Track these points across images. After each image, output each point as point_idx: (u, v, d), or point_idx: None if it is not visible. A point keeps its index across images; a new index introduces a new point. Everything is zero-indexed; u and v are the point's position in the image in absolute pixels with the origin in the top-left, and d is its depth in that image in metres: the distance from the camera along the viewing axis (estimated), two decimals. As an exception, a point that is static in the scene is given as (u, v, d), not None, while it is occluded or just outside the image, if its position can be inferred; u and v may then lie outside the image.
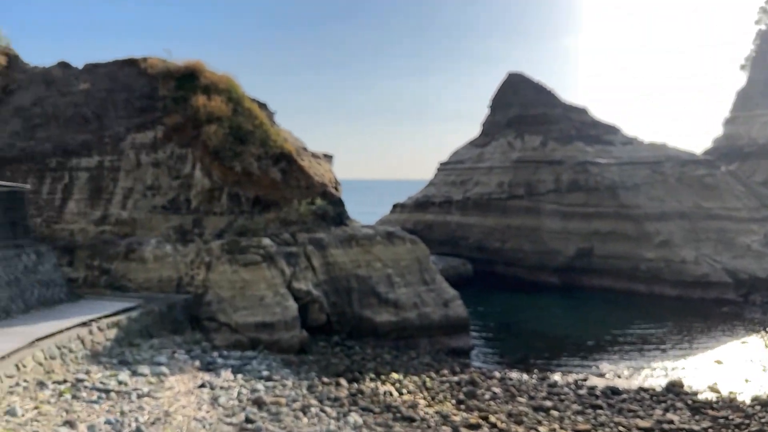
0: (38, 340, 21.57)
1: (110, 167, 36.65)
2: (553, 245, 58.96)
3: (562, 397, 26.67)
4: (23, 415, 16.25)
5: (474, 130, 75.39)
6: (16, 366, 19.08)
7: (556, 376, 30.62)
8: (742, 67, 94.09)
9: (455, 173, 71.52)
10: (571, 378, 30.34)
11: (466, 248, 63.92)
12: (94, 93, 39.11)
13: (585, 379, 29.98)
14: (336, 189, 39.64)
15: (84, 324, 24.10)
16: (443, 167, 74.91)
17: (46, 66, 41.69)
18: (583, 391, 27.68)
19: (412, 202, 73.79)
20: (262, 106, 41.94)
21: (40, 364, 20.26)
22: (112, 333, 24.71)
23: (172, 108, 37.42)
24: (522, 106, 68.19)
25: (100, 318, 25.15)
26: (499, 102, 71.93)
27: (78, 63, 41.51)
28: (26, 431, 15.31)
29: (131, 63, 40.57)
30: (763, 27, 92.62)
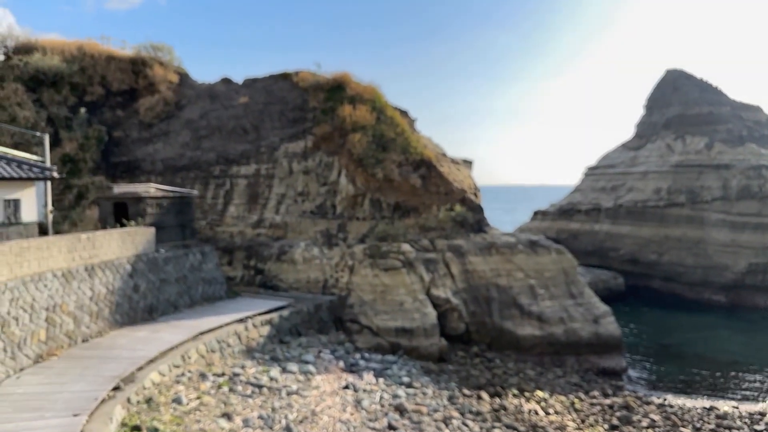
0: (201, 333, 23.47)
1: (266, 175, 39.24)
2: (719, 259, 52.81)
3: (735, 431, 23.48)
4: (188, 404, 17.63)
5: (624, 135, 70.19)
6: (182, 357, 20.86)
7: (726, 407, 27.13)
8: None
9: (605, 178, 67.02)
10: (744, 410, 26.70)
11: (616, 260, 59.49)
12: (252, 106, 42.17)
13: (764, 414, 26.18)
14: (475, 195, 38.86)
15: (241, 320, 25.81)
16: (591, 172, 70.59)
17: (211, 82, 45.82)
18: (761, 427, 24.18)
19: (555, 209, 70.40)
20: (404, 113, 42.47)
21: (203, 356, 21.98)
22: (265, 330, 26.19)
23: (321, 118, 39.17)
24: (683, 104, 62.16)
25: (254, 315, 26.79)
26: (656, 101, 66.25)
27: (238, 78, 45.10)
28: (190, 420, 16.56)
29: (285, 77, 43.18)
30: None
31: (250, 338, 25.08)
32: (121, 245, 25.09)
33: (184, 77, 45.77)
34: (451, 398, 22.95)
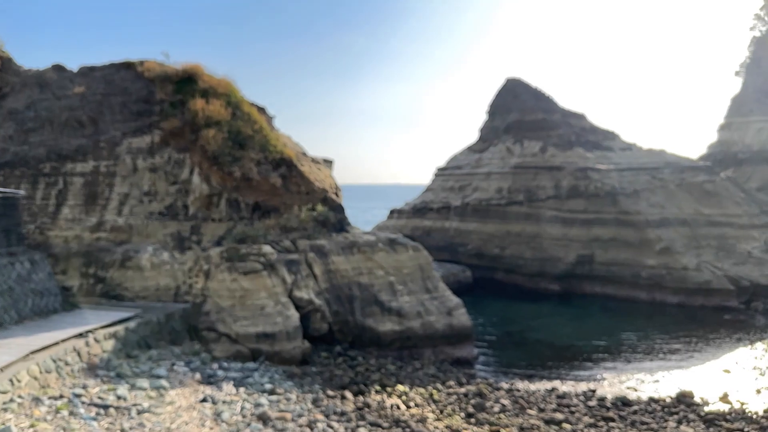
0: (33, 352, 20.71)
1: (106, 172, 35.77)
2: (553, 252, 58.47)
3: (573, 409, 26.04)
4: (18, 435, 15.41)
5: (469, 137, 75.04)
6: (11, 381, 18.23)
7: (565, 387, 30.01)
8: (737, 74, 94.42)
9: (453, 179, 71.00)
10: (579, 388, 29.74)
11: (465, 255, 63.31)
12: (90, 97, 38.23)
13: (594, 390, 29.37)
14: (336, 195, 38.97)
15: (80, 335, 23.25)
16: (441, 173, 74.38)
17: (41, 69, 40.79)
18: (593, 403, 27.07)
19: (409, 208, 73.15)
20: (261, 110, 41.27)
21: (35, 378, 19.41)
22: (110, 344, 23.87)
23: (170, 112, 36.64)
24: (521, 111, 67.83)
25: (96, 329, 24.30)
26: (497, 107, 71.56)
27: (73, 66, 40.67)
28: (22, 453, 14.49)
29: (128, 66, 39.73)
30: (757, 33, 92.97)
31: (92, 354, 22.66)
32: (-76, 255, 21.29)
33: (6, 62, 40.21)
34: (315, 401, 22.69)
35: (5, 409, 16.79)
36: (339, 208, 36.88)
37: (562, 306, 52.79)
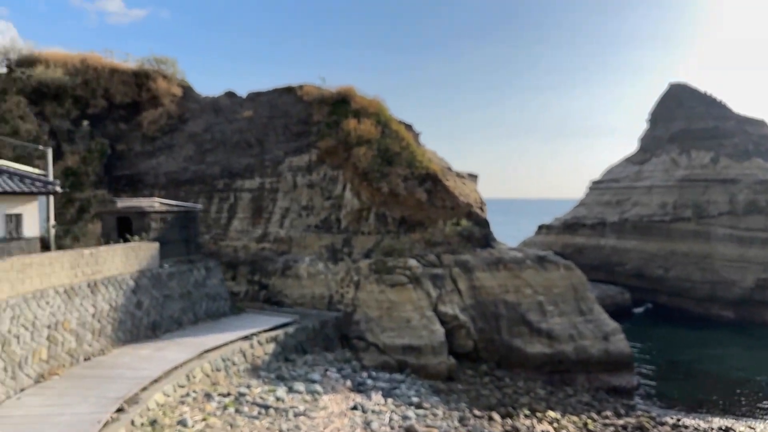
0: (206, 351, 22.91)
1: (270, 188, 38.83)
2: (727, 275, 52.29)
3: (753, 454, 22.85)
4: (193, 426, 17.05)
5: (628, 147, 70.14)
6: (187, 377, 20.29)
7: (741, 427, 26.52)
8: None
9: (610, 192, 66.66)
10: (759, 429, 26.07)
11: (622, 275, 58.95)
12: (256, 120, 41.90)
13: (780, 435, 25.57)
14: (481, 209, 38.44)
15: (246, 338, 25.25)
16: (596, 186, 70.25)
17: (215, 95, 45.59)
18: (779, 450, 23.53)
19: (560, 224, 69.94)
20: (408, 127, 42.19)
21: (208, 375, 21.41)
22: (270, 348, 25.63)
23: (326, 132, 38.85)
24: (688, 119, 61.97)
25: (259, 332, 26.23)
26: (660, 115, 66.08)
27: (242, 91, 44.90)
28: (196, 442, 15.97)
29: (289, 91, 42.95)
30: None
31: (255, 356, 24.51)
32: (124, 261, 24.61)
33: (187, 90, 45.55)
34: (461, 419, 22.35)
35: (182, 402, 18.71)
36: (484, 223, 36.33)
37: (737, 335, 46.85)
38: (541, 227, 73.00)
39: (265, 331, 26.56)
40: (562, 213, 74.04)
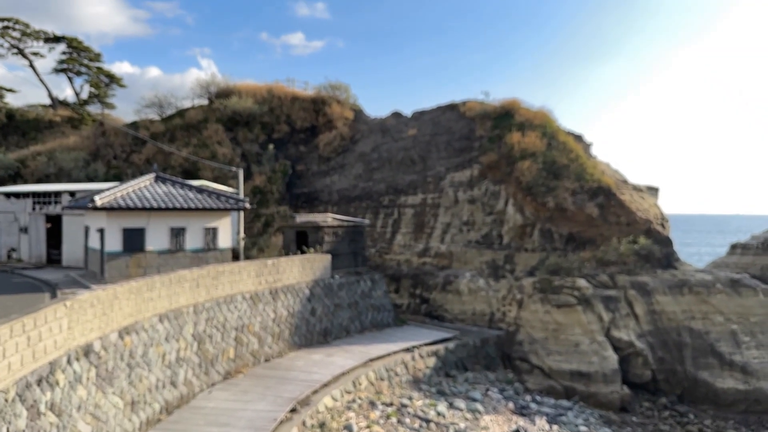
0: (371, 360, 23.91)
1: (432, 204, 39.58)
2: None
3: None
4: None
5: None
6: (353, 383, 21.34)
7: None
8: None
9: (823, 208, 57.04)
10: None
11: (841, 304, 49.86)
12: (420, 137, 43.11)
13: None
14: (663, 226, 35.18)
15: (408, 350, 25.89)
16: (804, 201, 60.62)
17: (382, 116, 47.87)
18: None
19: (758, 242, 61.20)
20: (578, 138, 40.30)
21: (372, 383, 22.31)
22: (431, 361, 25.95)
23: (488, 147, 38.65)
24: None
25: (421, 345, 26.72)
26: None
27: (408, 110, 46.56)
28: (360, 448, 16.68)
29: (452, 107, 43.59)
30: None
31: (416, 369, 24.99)
32: (301, 271, 26.72)
33: (358, 113, 48.47)
34: (635, 454, 20.52)
35: (349, 407, 19.69)
36: (665, 241, 33.19)
37: None
38: (734, 246, 64.41)
39: (427, 344, 26.98)
40: (759, 230, 64.88)
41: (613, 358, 27.42)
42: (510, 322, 30.95)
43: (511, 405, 23.46)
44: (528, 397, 25.25)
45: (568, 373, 27.24)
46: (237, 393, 18.93)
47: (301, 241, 30.92)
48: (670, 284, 30.27)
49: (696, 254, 71.77)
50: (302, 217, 32.77)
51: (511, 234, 35.76)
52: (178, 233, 24.88)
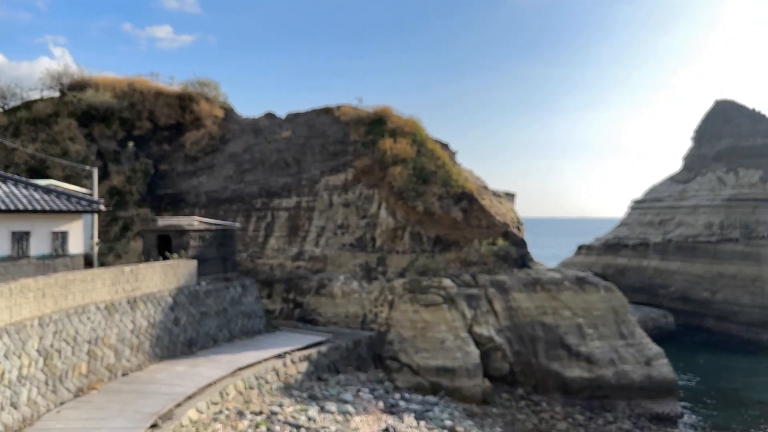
0: (240, 369, 23.17)
1: (306, 207, 39.35)
2: (779, 298, 49.97)
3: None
4: (225, 443, 17.20)
5: (670, 167, 68.25)
6: (220, 394, 20.55)
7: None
8: None
9: (652, 212, 64.90)
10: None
11: (666, 298, 57.02)
12: (294, 140, 42.68)
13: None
14: (518, 229, 37.95)
15: (279, 356, 25.45)
16: (638, 205, 68.53)
17: (255, 117, 46.73)
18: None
19: (600, 244, 68.33)
20: (444, 146, 42.17)
21: (241, 393, 21.64)
22: (303, 366, 25.74)
23: (362, 151, 39.23)
24: (735, 136, 60.07)
25: (293, 351, 26.40)
26: (705, 133, 64.26)
27: (282, 112, 45.90)
28: (227, 460, 16.10)
29: (327, 111, 43.65)
30: None
31: (288, 375, 24.66)
32: (163, 278, 25.24)
33: (229, 112, 46.83)
34: (495, 444, 21.87)
35: (215, 419, 18.93)
36: (521, 243, 35.83)
37: (792, 363, 44.55)
38: (580, 247, 71.47)
39: (299, 349, 26.71)
40: (602, 233, 72.40)
41: (475, 353, 29.03)
42: (382, 323, 31.60)
43: (381, 404, 23.95)
44: (397, 395, 25.95)
45: (435, 369, 28.39)
46: (90, 411, 17.43)
47: (164, 246, 29.23)
48: (525, 282, 32.69)
49: (547, 255, 78.06)
50: (165, 221, 31.00)
51: (384, 237, 36.58)
52: (21, 238, 22.39)
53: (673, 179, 66.67)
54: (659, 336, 42.82)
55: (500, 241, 34.79)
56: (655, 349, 31.31)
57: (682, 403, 32.10)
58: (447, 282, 31.92)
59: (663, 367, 30.50)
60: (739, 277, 53.20)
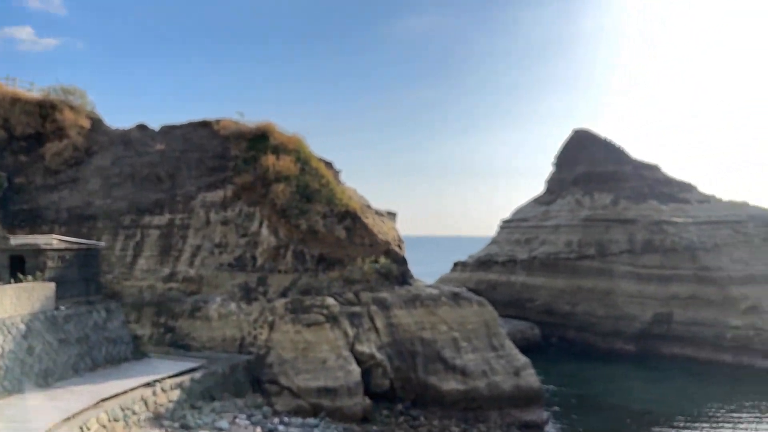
0: (103, 400, 21.36)
1: (180, 225, 37.47)
2: (628, 310, 55.50)
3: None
4: (84, 484, 15.70)
5: (535, 188, 73.80)
6: (81, 428, 18.78)
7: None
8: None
9: (519, 231, 69.58)
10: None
11: (532, 311, 61.15)
12: (169, 153, 40.60)
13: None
14: (399, 247, 38.90)
15: (148, 384, 23.81)
16: (506, 225, 73.16)
17: (126, 128, 43.87)
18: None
19: (474, 261, 71.95)
20: (329, 164, 42.35)
21: (104, 426, 19.93)
22: (175, 394, 24.28)
23: (243, 168, 38.24)
24: (590, 163, 66.31)
25: (163, 378, 24.83)
26: (565, 159, 70.31)
27: (155, 125, 43.46)
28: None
29: (205, 125, 42.07)
30: None
31: (158, 404, 23.12)
32: (15, 302, 22.72)
33: (96, 122, 43.55)
34: (375, 462, 21.99)
35: (74, 457, 17.23)
36: (402, 261, 36.72)
37: (638, 368, 49.50)
38: (456, 264, 74.77)
39: (170, 377, 25.16)
40: (476, 250, 76.32)
41: (356, 371, 29.13)
42: (261, 345, 30.74)
43: (258, 430, 23.23)
44: (276, 420, 25.31)
45: (315, 390, 28.09)
46: None
47: (17, 267, 26.37)
48: (406, 299, 33.50)
49: (427, 272, 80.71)
50: (19, 239, 28.04)
51: (265, 256, 35.77)
52: None
53: (537, 201, 72.04)
54: (526, 347, 45.67)
55: (382, 259, 35.42)
56: (522, 359, 33.32)
57: (548, 411, 34.42)
58: (330, 301, 31.85)
59: (530, 377, 32.52)
60: (595, 291, 58.41)
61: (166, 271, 36.03)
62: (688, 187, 65.36)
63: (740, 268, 54.31)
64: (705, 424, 33.96)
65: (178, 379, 25.04)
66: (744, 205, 63.36)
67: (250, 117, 41.48)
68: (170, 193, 38.47)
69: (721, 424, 34.07)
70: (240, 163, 38.59)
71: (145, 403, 22.46)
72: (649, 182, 63.70)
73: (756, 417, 35.68)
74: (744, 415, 35.87)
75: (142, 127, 43.61)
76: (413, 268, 38.21)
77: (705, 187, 77.81)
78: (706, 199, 63.93)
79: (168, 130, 42.67)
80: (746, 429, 33.48)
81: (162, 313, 33.18)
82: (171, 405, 23.63)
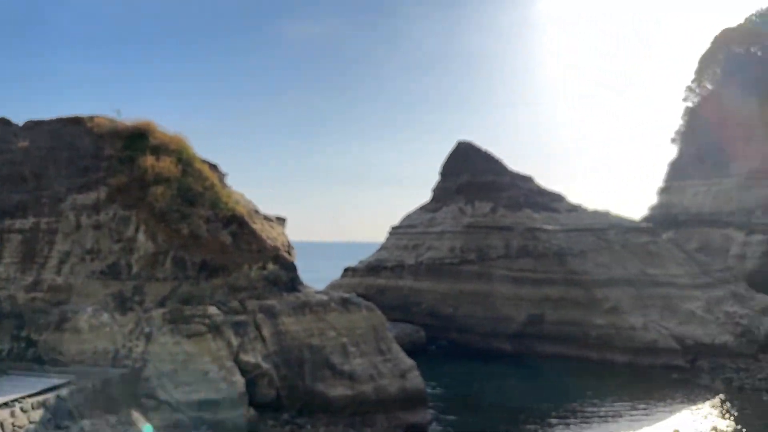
0: (-52, 426, 19.04)
1: (47, 229, 34.34)
2: (505, 311, 58.84)
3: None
4: None
5: (422, 196, 76.32)
6: None
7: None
8: (673, 141, 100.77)
9: (407, 237, 71.44)
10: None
11: (418, 314, 62.94)
12: (34, 151, 37.13)
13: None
14: (289, 253, 38.40)
15: (5, 405, 21.58)
16: (395, 231, 74.81)
17: (-17, 122, 39.54)
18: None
19: (364, 266, 72.77)
20: (213, 167, 40.86)
21: (-52, 456, 17.75)
22: (38, 415, 22.20)
23: (118, 168, 35.84)
24: (472, 173, 69.69)
25: (24, 397, 22.62)
26: (449, 169, 73.31)
27: (20, 120, 39.62)
28: None
29: (76, 122, 38.92)
30: (689, 104, 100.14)
31: (17, 426, 21.02)
32: None
33: (-55, 114, 38.84)
34: (259, 474, 21.48)
35: None
36: (291, 267, 36.26)
37: (514, 366, 52.66)
38: (346, 270, 75.20)
39: (31, 396, 22.95)
40: (367, 255, 77.26)
41: (240, 382, 28.33)
42: (137, 358, 28.95)
43: (134, 449, 21.80)
44: (154, 437, 23.91)
45: (197, 403, 26.96)
46: None
47: None
48: (294, 306, 33.14)
49: (320, 278, 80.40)
50: None
51: (142, 263, 33.72)
52: None
53: (423, 208, 74.45)
54: (412, 349, 46.91)
55: (271, 266, 34.74)
56: (408, 362, 34.18)
57: (431, 411, 35.60)
58: (212, 310, 30.71)
59: (415, 379, 33.43)
60: (475, 294, 61.33)
61: (29, 279, 32.84)
62: (558, 197, 70.73)
63: (602, 272, 59.51)
64: (576, 419, 36.83)
65: (41, 397, 22.91)
66: (606, 214, 69.66)
67: (132, 116, 38.89)
68: (35, 195, 35.18)
69: (587, 416, 37.15)
70: (115, 163, 36.15)
71: (2, 426, 20.32)
72: (524, 192, 68.13)
73: (617, 405, 39.35)
74: (608, 406, 39.41)
75: (4, 122, 39.60)
76: (305, 274, 37.93)
77: (573, 197, 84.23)
78: (574, 209, 69.53)
79: (33, 126, 39.05)
80: (609, 417, 36.76)
81: (24, 326, 30.19)
82: (33, 426, 21.58)
